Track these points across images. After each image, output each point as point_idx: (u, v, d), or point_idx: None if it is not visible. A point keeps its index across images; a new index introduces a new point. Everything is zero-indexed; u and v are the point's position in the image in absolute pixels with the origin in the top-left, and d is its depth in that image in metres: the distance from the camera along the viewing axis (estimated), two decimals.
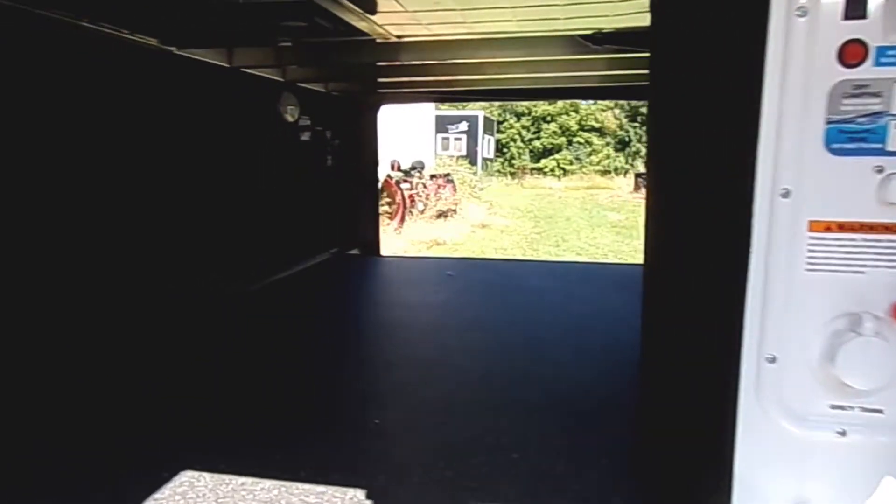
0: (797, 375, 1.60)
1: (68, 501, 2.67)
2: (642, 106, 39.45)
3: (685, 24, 2.37)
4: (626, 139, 40.70)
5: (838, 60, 1.46)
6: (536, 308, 6.21)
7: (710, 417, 1.82)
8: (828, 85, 1.46)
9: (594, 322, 5.60)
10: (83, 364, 4.19)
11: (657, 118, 2.87)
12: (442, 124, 29.25)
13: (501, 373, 4.28)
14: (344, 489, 2.75)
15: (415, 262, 10.01)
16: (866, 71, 1.44)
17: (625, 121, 41.19)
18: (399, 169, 17.54)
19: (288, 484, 2.74)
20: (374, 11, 3.88)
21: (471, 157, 29.52)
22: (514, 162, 39.40)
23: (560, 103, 38.80)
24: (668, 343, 2.64)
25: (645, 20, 3.82)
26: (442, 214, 17.83)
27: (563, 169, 38.65)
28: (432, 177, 19.25)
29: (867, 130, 1.47)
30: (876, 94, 1.45)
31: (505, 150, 40.00)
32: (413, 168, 18.29)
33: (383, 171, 14.43)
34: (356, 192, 9.07)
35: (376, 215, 9.42)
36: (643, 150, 39.75)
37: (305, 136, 7.68)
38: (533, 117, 40.69)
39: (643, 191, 26.16)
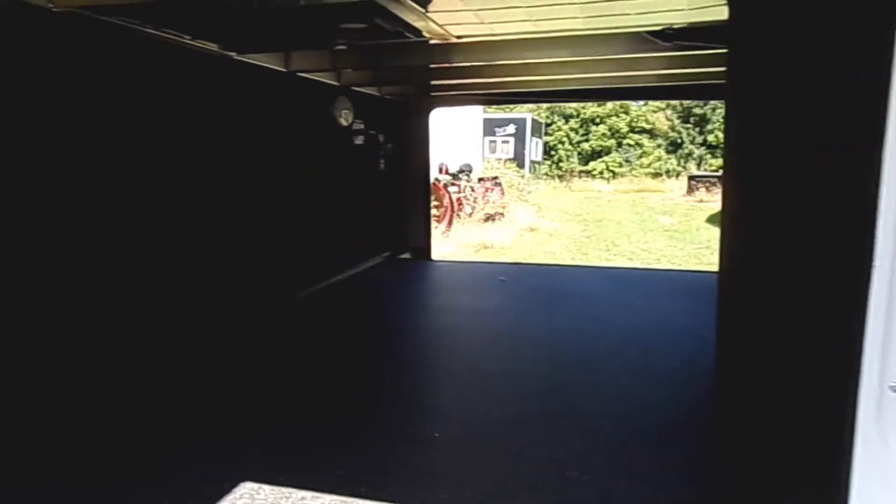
0: None
1: None
2: (696, 106, 38.45)
3: (784, 17, 2.18)
4: (678, 141, 39.65)
5: None
6: (593, 316, 6.02)
7: (822, 451, 1.65)
8: None
9: (655, 331, 5.37)
10: (141, 370, 4.24)
11: (743, 117, 2.69)
12: (490, 127, 29.10)
13: (562, 385, 4.11)
14: None
15: (466, 267, 9.92)
16: None
17: (677, 122, 40.14)
18: (447, 172, 17.51)
19: (349, 500, 2.66)
20: (427, 2, 3.76)
21: (518, 159, 29.25)
22: (561, 165, 38.88)
23: (609, 105, 38.09)
24: (758, 363, 2.44)
25: (719, 14, 3.61)
26: (489, 217, 17.70)
27: (613, 171, 37.92)
28: (480, 180, 19.14)
29: None
30: None
31: (553, 152, 39.52)
32: (461, 171, 18.23)
33: (431, 175, 14.40)
34: (408, 196, 9.04)
35: (428, 219, 9.38)
36: (696, 152, 38.66)
37: (359, 140, 7.68)
38: (581, 119, 40.07)
39: (697, 194, 25.46)
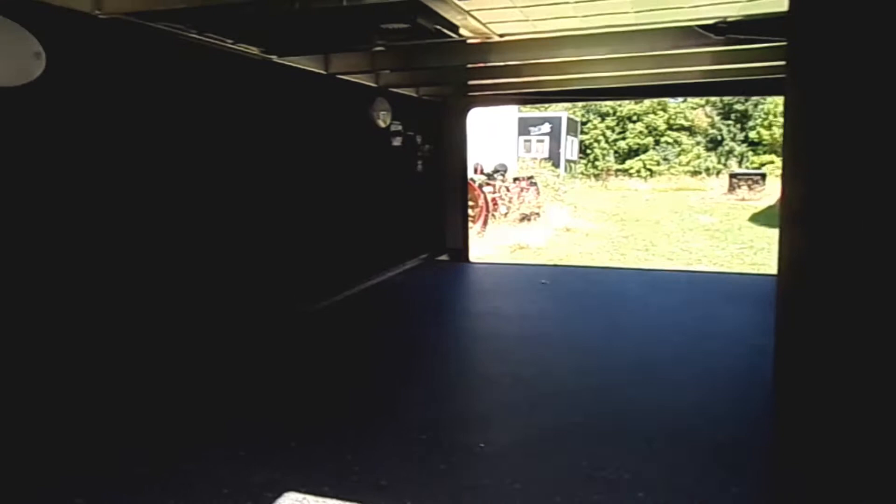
0: None
1: None
2: (736, 102, 37.47)
3: (854, 6, 2.04)
4: (719, 138, 38.69)
5: None
6: (641, 321, 5.84)
7: None
8: None
9: (707, 340, 5.15)
10: (179, 379, 4.25)
11: (810, 113, 2.54)
12: (524, 126, 28.90)
13: (613, 395, 3.97)
14: None
15: (504, 269, 9.79)
16: None
17: (717, 118, 39.19)
18: (482, 172, 17.42)
19: None
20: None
21: (553, 159, 28.96)
22: (597, 163, 38.35)
23: (647, 102, 37.37)
24: (827, 377, 2.29)
25: (777, 6, 3.42)
26: (525, 217, 17.54)
27: (650, 170, 37.24)
28: (515, 179, 19.00)
29: None
30: None
31: (588, 151, 39.02)
32: (496, 171, 18.12)
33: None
34: (445, 197, 8.98)
35: (465, 221, 9.30)
36: (737, 149, 37.69)
37: (397, 142, 7.65)
38: (618, 117, 39.45)
39: (738, 192, 24.81)
